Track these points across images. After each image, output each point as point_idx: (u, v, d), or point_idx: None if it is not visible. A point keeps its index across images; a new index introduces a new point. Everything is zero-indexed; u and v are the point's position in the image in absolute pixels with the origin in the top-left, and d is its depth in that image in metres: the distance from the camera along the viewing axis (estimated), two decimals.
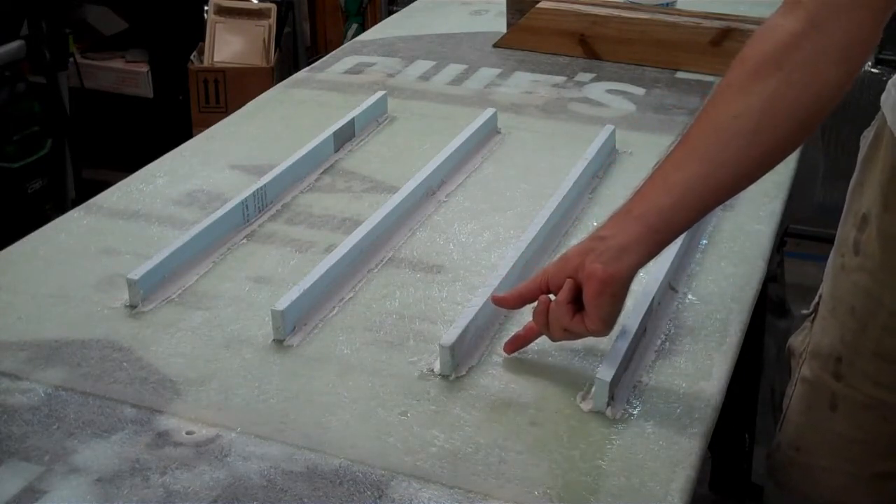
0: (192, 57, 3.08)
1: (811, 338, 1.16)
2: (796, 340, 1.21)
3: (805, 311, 1.21)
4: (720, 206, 1.28)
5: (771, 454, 1.24)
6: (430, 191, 1.32)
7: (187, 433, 0.91)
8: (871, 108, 1.08)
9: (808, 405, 1.16)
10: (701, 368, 1.00)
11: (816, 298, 1.17)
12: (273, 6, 3.14)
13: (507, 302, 1.00)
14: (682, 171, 0.91)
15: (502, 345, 1.02)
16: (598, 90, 1.68)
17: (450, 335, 0.98)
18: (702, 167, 0.90)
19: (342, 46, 1.96)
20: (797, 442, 1.18)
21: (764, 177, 1.39)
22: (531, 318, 0.99)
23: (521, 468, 0.87)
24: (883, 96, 1.05)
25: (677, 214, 0.91)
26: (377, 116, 1.57)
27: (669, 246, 1.13)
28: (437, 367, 0.99)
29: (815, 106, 0.88)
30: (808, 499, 1.20)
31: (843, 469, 1.13)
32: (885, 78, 2.42)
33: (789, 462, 1.20)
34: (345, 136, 1.48)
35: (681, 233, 0.96)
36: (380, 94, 1.59)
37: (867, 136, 1.08)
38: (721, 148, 0.89)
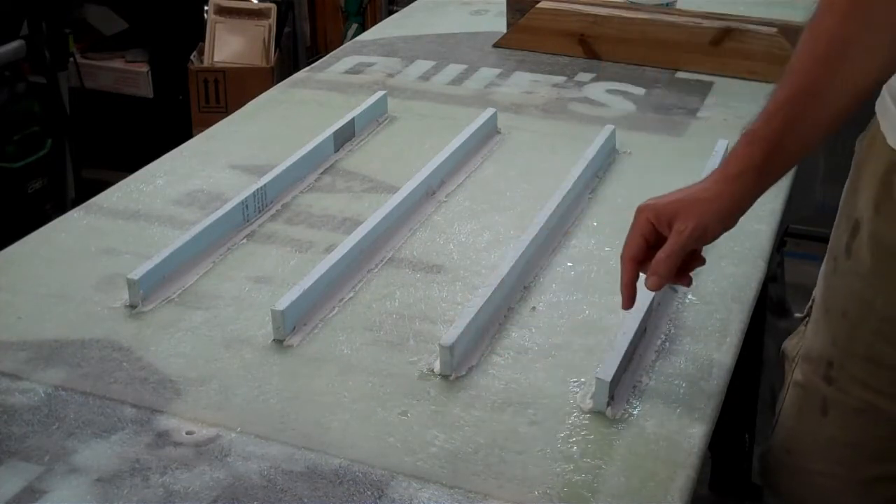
0: (192, 57, 3.08)
1: (803, 341, 1.17)
2: (790, 344, 1.21)
3: (799, 315, 1.21)
4: None
5: (762, 457, 1.24)
6: (430, 191, 1.32)
7: (187, 433, 0.91)
8: (872, 110, 1.08)
9: (800, 409, 1.16)
10: (701, 368, 1.00)
11: (810, 302, 1.17)
12: (273, 6, 3.14)
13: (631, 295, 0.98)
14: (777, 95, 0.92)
15: (502, 344, 1.03)
16: (598, 90, 1.68)
17: (450, 335, 0.98)
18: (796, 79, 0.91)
19: (342, 46, 1.96)
20: (788, 445, 1.18)
21: None
22: (531, 322, 0.98)
23: (521, 468, 0.87)
24: (878, 101, 1.05)
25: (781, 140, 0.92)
26: (377, 116, 1.57)
27: None
28: (437, 367, 0.99)
29: None
30: (798, 502, 1.20)
31: (834, 473, 1.13)
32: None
33: (780, 465, 1.20)
34: (345, 136, 1.48)
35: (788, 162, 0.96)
36: (380, 94, 1.59)
37: (862, 140, 1.08)
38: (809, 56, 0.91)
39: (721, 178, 0.94)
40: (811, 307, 1.16)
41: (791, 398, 1.17)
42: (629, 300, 0.97)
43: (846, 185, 1.10)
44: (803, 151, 0.95)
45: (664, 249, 0.93)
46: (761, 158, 0.93)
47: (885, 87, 1.04)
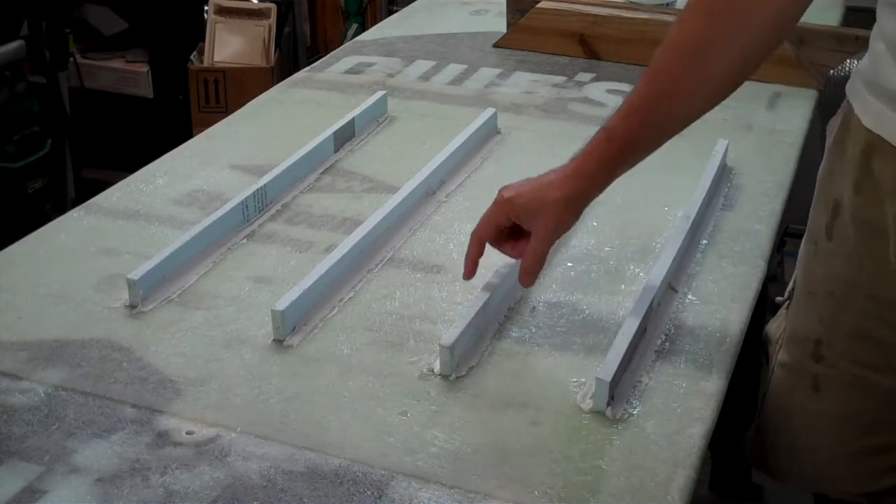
0: (192, 57, 3.08)
1: (787, 323, 1.17)
2: (772, 327, 1.21)
3: (780, 299, 1.21)
4: (720, 206, 1.28)
5: (750, 440, 1.25)
6: (430, 191, 1.32)
7: (187, 433, 0.91)
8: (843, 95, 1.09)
9: (789, 389, 1.16)
10: (701, 368, 1.00)
11: (790, 286, 1.18)
12: (273, 6, 3.14)
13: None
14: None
15: (502, 344, 1.03)
16: (598, 90, 1.68)
17: (450, 335, 0.98)
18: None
19: (342, 46, 1.96)
20: (777, 425, 1.19)
21: (764, 177, 1.40)
22: (531, 322, 0.98)
23: (521, 468, 0.87)
24: (848, 85, 1.06)
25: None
26: (377, 116, 1.57)
27: (669, 246, 1.14)
28: (437, 367, 0.99)
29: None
30: (789, 479, 1.21)
31: (825, 446, 1.14)
32: None
33: (771, 446, 1.21)
34: (345, 136, 1.48)
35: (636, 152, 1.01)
36: (380, 94, 1.59)
37: (833, 125, 1.09)
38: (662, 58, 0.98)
39: (576, 175, 1.01)
40: (792, 290, 1.17)
41: (778, 379, 1.18)
42: (471, 273, 1.07)
43: (821, 169, 1.10)
44: (655, 148, 1.01)
45: (534, 252, 1.02)
46: (618, 155, 1.00)
47: (854, 71, 1.05)
